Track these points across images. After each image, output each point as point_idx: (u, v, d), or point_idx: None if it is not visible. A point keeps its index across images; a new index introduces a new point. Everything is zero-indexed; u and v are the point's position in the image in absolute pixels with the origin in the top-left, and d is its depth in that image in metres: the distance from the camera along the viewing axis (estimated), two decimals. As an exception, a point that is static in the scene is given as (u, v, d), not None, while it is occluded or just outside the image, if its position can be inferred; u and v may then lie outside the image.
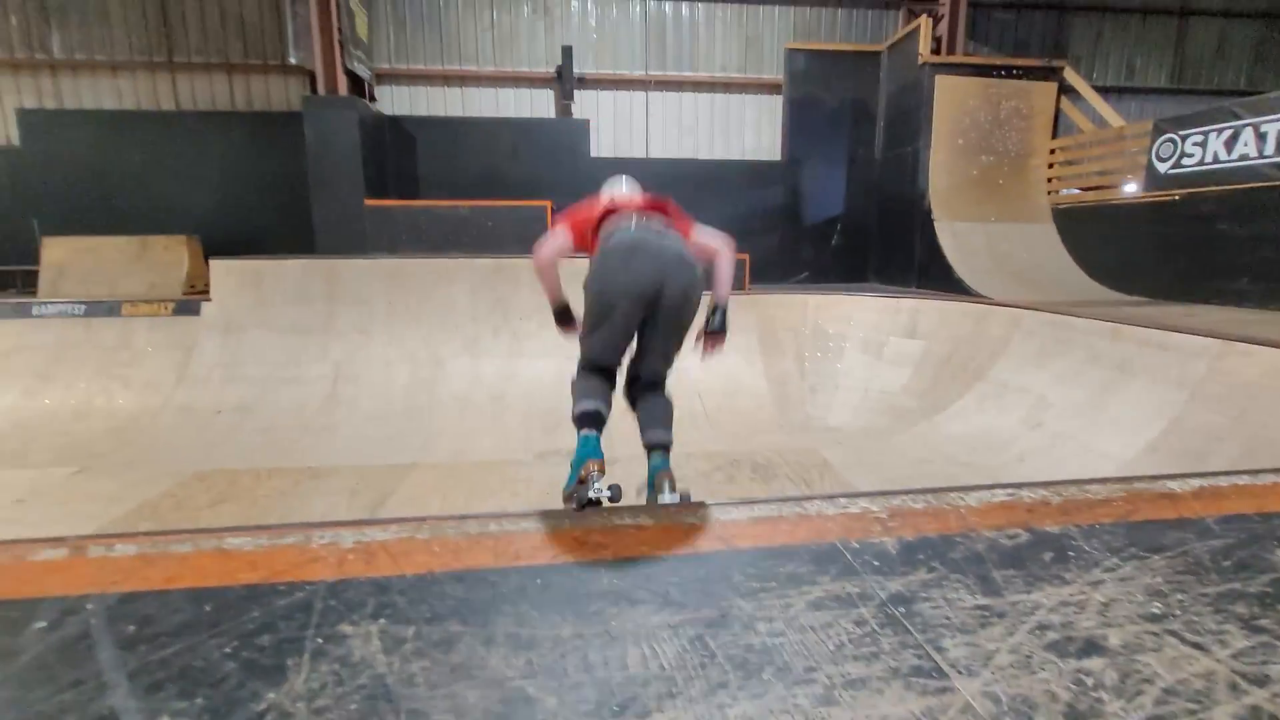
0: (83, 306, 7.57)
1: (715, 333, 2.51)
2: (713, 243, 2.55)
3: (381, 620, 1.39)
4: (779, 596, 1.51)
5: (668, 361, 2.51)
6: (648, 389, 2.55)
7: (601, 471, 2.18)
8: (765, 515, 1.93)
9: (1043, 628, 1.40)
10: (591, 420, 2.36)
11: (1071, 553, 1.72)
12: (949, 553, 1.72)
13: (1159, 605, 1.49)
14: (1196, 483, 2.19)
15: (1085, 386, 5.57)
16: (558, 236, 2.56)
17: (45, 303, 7.63)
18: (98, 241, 8.39)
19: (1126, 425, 5.01)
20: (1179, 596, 1.52)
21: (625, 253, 2.28)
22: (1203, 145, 7.16)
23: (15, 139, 9.40)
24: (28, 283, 8.61)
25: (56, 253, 8.27)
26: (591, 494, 2.10)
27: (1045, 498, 2.06)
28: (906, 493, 2.08)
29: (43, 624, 1.37)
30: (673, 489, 2.31)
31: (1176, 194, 7.40)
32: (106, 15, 9.36)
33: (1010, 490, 2.11)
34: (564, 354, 7.59)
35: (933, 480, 5.41)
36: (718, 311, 2.49)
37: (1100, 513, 1.96)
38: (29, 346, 7.37)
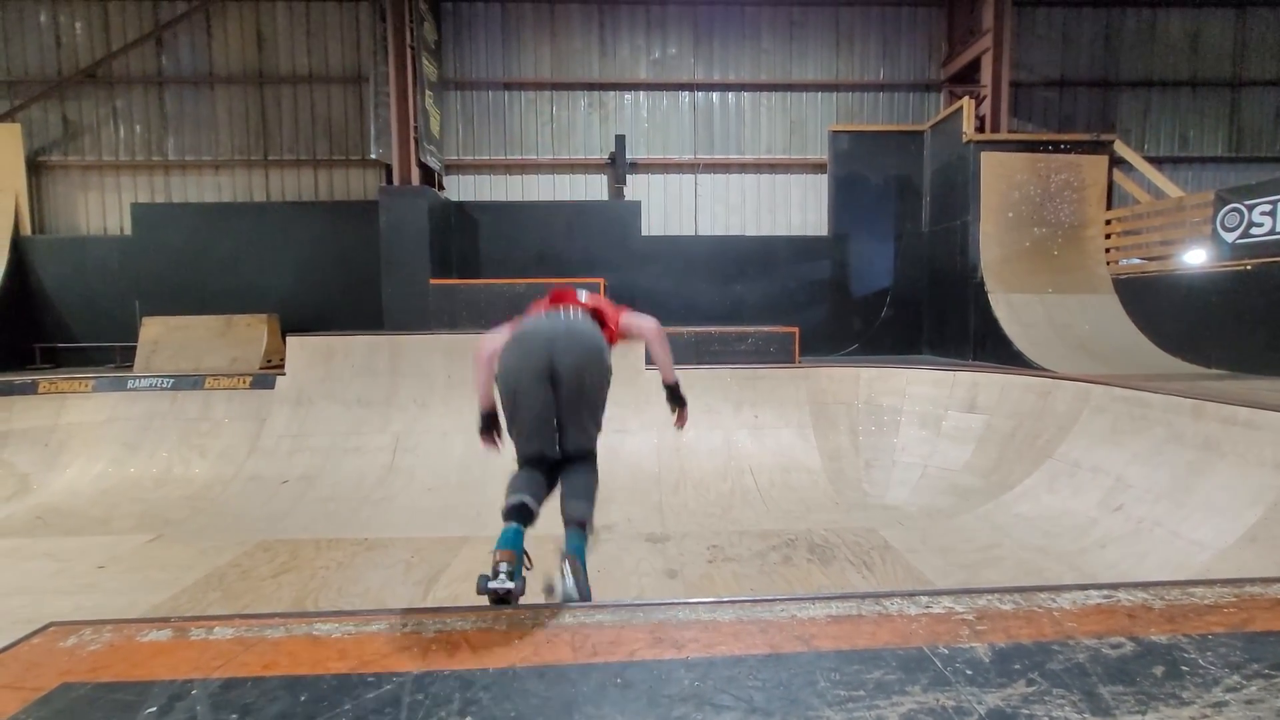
0: (171, 380, 8.16)
1: (676, 408, 2.63)
2: (637, 322, 2.66)
3: (468, 718, 1.41)
4: (869, 708, 1.45)
5: (585, 434, 2.56)
6: (571, 461, 2.57)
7: (510, 563, 2.12)
8: (844, 614, 1.88)
9: (1165, 756, 1.29)
10: (515, 513, 2.34)
11: (1185, 667, 1.60)
12: (1047, 663, 1.62)
13: (1295, 734, 1.36)
14: (1317, 588, 2.02)
15: (1168, 467, 5.22)
16: (498, 332, 2.66)
17: (138, 376, 8.26)
18: (189, 320, 9.16)
19: (1219, 511, 4.64)
20: (1317, 725, 1.39)
21: (519, 337, 2.47)
22: (1272, 214, 6.95)
23: (128, 229, 10.51)
24: (125, 358, 9.38)
25: (152, 330, 9.04)
26: (492, 585, 2.07)
27: (1146, 601, 1.93)
28: (992, 591, 1.99)
29: (153, 709, 1.44)
30: (566, 579, 2.16)
31: (1248, 264, 7.13)
32: (215, 122, 10.62)
33: (1106, 592, 1.99)
34: (614, 428, 7.72)
35: (1007, 566, 5.09)
36: (665, 390, 2.61)
37: (1211, 621, 1.82)
38: (121, 418, 7.93)
